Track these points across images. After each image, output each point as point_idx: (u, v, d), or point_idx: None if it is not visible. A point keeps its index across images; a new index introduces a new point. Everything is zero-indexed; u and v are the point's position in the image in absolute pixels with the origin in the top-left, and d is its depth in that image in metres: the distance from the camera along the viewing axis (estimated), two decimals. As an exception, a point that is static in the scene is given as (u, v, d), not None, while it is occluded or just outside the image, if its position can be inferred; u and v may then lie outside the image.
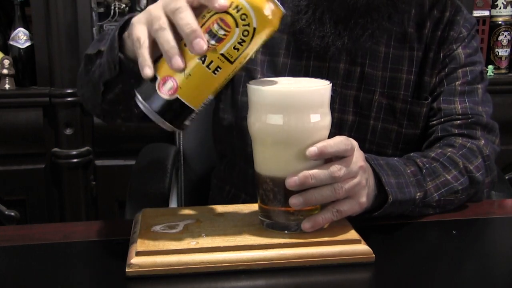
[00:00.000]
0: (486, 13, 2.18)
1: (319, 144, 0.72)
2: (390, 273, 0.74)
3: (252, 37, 0.70)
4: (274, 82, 0.78)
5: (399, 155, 0.99)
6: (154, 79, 0.71)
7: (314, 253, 0.73)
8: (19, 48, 1.98)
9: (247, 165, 0.78)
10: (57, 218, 2.03)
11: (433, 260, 0.75)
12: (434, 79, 1.06)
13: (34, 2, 1.93)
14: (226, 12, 0.69)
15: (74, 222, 1.87)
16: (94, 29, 2.02)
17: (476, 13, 2.16)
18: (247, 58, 0.72)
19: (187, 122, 0.73)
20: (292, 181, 0.73)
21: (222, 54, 0.70)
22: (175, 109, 0.71)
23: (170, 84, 0.70)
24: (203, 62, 0.70)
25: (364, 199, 0.78)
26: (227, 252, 0.71)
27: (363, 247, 0.74)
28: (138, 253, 0.71)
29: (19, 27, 1.98)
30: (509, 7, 2.20)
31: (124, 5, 2.16)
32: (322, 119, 0.74)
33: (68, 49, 1.94)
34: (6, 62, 1.95)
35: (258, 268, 0.71)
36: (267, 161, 0.76)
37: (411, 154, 0.98)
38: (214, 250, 0.72)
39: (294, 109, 0.72)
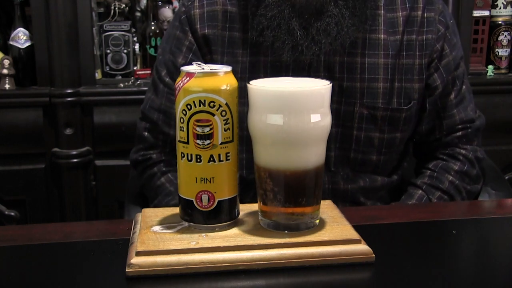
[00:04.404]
0: (486, 13, 2.18)
1: None
2: (390, 273, 0.74)
3: (230, 109, 0.73)
4: (274, 82, 0.78)
5: (382, 160, 1.07)
6: (189, 202, 0.75)
7: (314, 253, 0.73)
8: (19, 48, 1.98)
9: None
10: (57, 218, 2.03)
11: (433, 260, 0.75)
12: (418, 84, 1.08)
13: (34, 2, 1.93)
14: (196, 112, 0.71)
15: (74, 222, 1.87)
16: (94, 29, 2.02)
17: (476, 13, 2.16)
18: (237, 124, 0.75)
19: (237, 208, 0.78)
20: None
21: (222, 143, 0.73)
22: (224, 210, 0.76)
23: (205, 197, 0.74)
24: (215, 161, 0.73)
25: None
26: (227, 252, 0.71)
27: (363, 247, 0.74)
28: (138, 253, 0.71)
29: (19, 27, 1.98)
30: (509, 7, 2.20)
31: (124, 5, 2.16)
32: (322, 119, 0.74)
33: (68, 49, 1.94)
34: (6, 62, 1.95)
35: (258, 268, 0.71)
36: (267, 161, 0.76)
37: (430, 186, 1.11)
38: (214, 250, 0.72)
39: (294, 109, 0.72)
